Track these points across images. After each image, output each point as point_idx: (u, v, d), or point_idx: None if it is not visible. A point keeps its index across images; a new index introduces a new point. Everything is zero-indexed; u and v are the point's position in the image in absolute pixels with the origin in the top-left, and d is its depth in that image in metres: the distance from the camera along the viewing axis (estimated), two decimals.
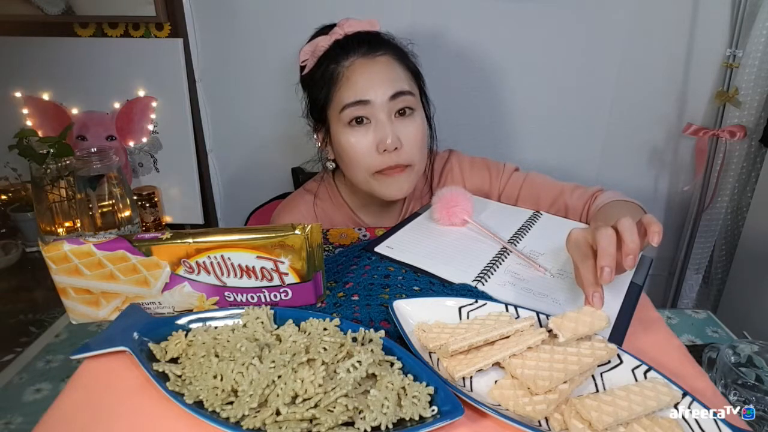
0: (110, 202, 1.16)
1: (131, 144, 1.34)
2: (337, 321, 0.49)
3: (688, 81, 1.24)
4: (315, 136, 0.86)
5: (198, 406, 0.41)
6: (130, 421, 0.42)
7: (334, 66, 0.78)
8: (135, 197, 1.27)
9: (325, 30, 0.82)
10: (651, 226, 0.50)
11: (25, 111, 1.30)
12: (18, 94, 1.30)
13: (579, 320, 0.46)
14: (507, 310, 0.53)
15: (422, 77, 0.84)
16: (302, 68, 0.84)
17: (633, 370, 0.46)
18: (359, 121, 0.76)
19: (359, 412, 0.40)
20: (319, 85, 0.79)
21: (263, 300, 0.55)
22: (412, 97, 0.78)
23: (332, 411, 0.40)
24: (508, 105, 1.30)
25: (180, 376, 0.45)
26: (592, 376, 0.46)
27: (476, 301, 0.54)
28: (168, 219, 1.42)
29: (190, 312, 0.53)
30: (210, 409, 0.41)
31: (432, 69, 0.86)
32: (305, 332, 0.49)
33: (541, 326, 0.51)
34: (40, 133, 1.24)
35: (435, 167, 0.93)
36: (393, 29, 0.84)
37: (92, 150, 1.18)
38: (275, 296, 0.54)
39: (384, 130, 0.75)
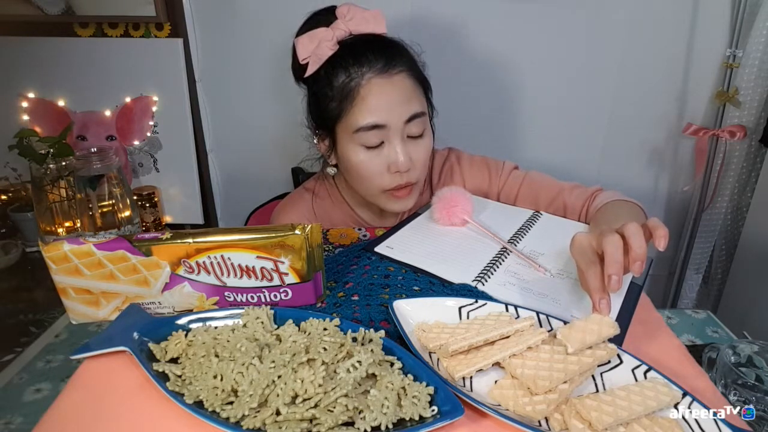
0: (110, 202, 1.16)
1: (131, 144, 1.34)
2: (337, 321, 0.49)
3: (688, 81, 1.24)
4: (315, 141, 0.84)
5: (198, 406, 0.41)
6: (130, 421, 0.42)
7: (347, 80, 0.74)
8: (135, 197, 1.27)
9: (323, 18, 0.78)
10: (657, 231, 0.49)
11: (25, 111, 1.30)
12: (18, 94, 1.30)
13: (587, 329, 0.46)
14: (507, 310, 0.53)
15: (430, 87, 0.83)
16: (302, 65, 0.78)
17: (633, 370, 0.46)
18: (373, 144, 0.75)
19: (359, 412, 0.40)
20: (328, 95, 0.76)
21: (263, 300, 0.55)
22: (424, 117, 0.78)
23: (332, 411, 0.40)
24: (508, 104, 1.30)
25: (180, 376, 0.45)
26: (592, 376, 0.46)
27: (476, 301, 0.54)
28: (168, 219, 1.42)
29: (190, 312, 0.53)
30: (210, 409, 0.41)
31: (432, 68, 0.86)
32: (305, 332, 0.49)
33: (541, 326, 0.51)
34: (40, 133, 1.24)
35: (435, 165, 0.93)
36: (392, 28, 0.84)
37: (92, 150, 1.18)
38: (275, 296, 0.54)
39: (396, 152, 0.75)
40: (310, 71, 0.76)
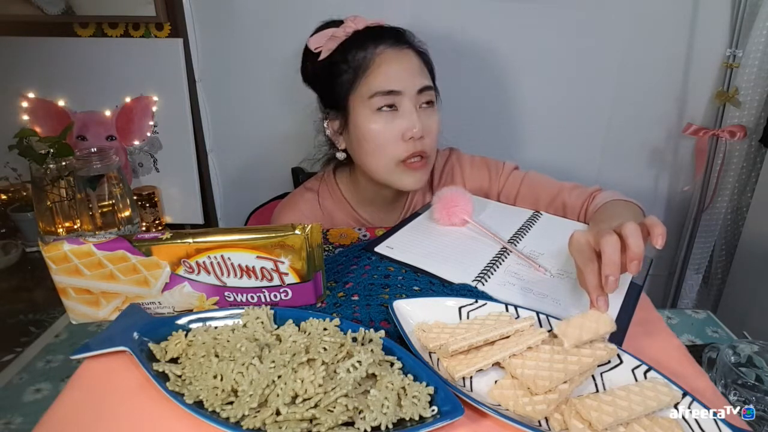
0: (110, 202, 1.16)
1: (131, 144, 1.34)
2: (337, 321, 0.49)
3: (688, 81, 1.24)
4: (326, 125, 0.86)
5: (198, 406, 0.41)
6: (130, 421, 0.42)
7: (362, 53, 0.78)
8: (135, 197, 1.27)
9: (332, 25, 0.82)
10: (654, 229, 0.49)
11: (25, 111, 1.30)
12: (18, 94, 1.30)
13: (584, 326, 0.46)
14: (507, 310, 0.53)
15: (435, 75, 0.85)
16: (314, 56, 0.82)
17: (633, 370, 0.46)
18: (388, 107, 0.77)
19: (359, 412, 0.40)
20: (342, 69, 0.79)
21: (263, 300, 0.55)
22: (434, 92, 0.81)
23: (332, 411, 0.40)
24: (508, 105, 1.30)
25: (180, 376, 0.45)
26: (592, 376, 0.46)
27: (476, 301, 0.54)
28: (168, 219, 1.42)
29: (190, 312, 0.53)
30: (210, 409, 0.41)
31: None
32: (305, 332, 0.49)
33: (540, 326, 0.51)
34: (40, 133, 1.24)
35: (436, 165, 0.93)
36: None
37: (92, 150, 1.18)
38: (275, 296, 0.54)
39: (411, 119, 0.77)
40: (324, 55, 0.80)
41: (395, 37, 0.80)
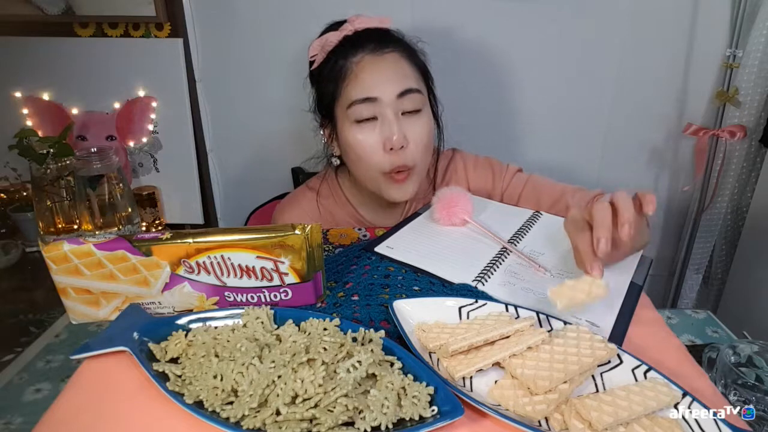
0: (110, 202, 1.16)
1: (131, 144, 1.34)
2: (337, 321, 0.49)
3: (688, 81, 1.24)
4: (321, 132, 0.86)
5: (198, 406, 0.41)
6: (130, 421, 0.42)
7: (343, 62, 0.77)
8: (135, 197, 1.27)
9: (335, 26, 0.82)
10: (645, 197, 0.52)
11: (25, 111, 1.30)
12: (18, 94, 1.30)
13: (577, 288, 0.47)
14: (507, 310, 0.53)
15: (431, 76, 0.84)
16: (311, 63, 0.83)
17: (633, 370, 0.46)
18: (366, 118, 0.76)
19: (359, 412, 0.40)
20: (327, 80, 0.79)
21: (263, 300, 0.55)
22: (420, 95, 0.78)
23: (332, 411, 0.40)
24: (508, 105, 1.30)
25: (180, 376, 0.45)
26: (592, 376, 0.46)
27: (476, 301, 0.54)
28: (168, 219, 1.42)
29: (190, 312, 0.53)
30: (210, 409, 0.41)
31: (431, 69, 0.86)
32: (305, 332, 0.49)
33: (540, 326, 0.51)
34: (40, 133, 1.24)
35: (439, 166, 0.93)
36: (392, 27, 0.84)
37: (92, 150, 1.17)
38: (275, 296, 0.54)
39: (391, 128, 0.75)
40: (316, 65, 0.81)
41: (378, 41, 0.78)
